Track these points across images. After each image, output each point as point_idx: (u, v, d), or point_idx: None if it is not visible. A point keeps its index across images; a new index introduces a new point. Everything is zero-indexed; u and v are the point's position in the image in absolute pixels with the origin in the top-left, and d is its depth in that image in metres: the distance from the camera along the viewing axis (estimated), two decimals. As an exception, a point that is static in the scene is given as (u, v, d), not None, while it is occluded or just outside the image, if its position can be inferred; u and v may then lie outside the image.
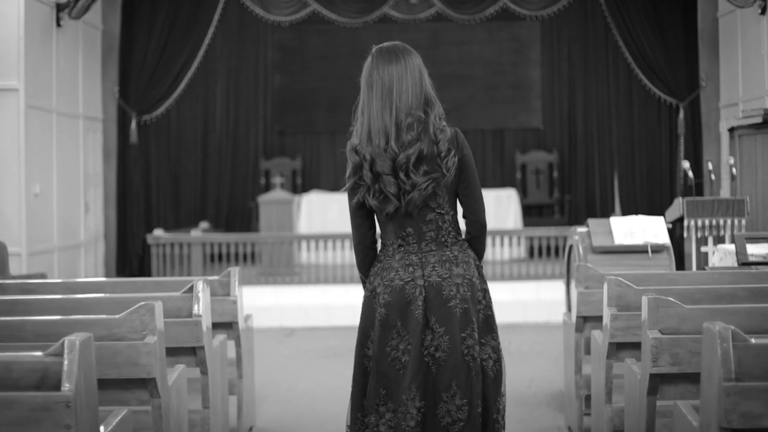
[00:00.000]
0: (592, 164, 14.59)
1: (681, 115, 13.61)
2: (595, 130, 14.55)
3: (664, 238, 6.73)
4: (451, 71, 14.40)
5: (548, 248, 12.27)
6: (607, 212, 14.09)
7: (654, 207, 13.52)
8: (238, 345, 5.78)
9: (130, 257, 13.64)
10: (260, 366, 8.31)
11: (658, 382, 3.85)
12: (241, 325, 5.77)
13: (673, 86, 13.64)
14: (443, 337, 3.63)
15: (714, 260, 7.55)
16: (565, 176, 14.76)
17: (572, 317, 5.84)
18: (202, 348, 4.71)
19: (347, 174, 3.73)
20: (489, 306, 3.79)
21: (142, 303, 3.93)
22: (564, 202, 14.67)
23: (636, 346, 4.52)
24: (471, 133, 14.29)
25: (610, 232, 6.78)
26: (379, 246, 3.88)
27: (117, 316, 3.91)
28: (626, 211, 13.68)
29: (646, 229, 6.74)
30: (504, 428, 3.75)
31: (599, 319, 5.38)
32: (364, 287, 3.87)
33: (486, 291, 3.81)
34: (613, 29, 13.88)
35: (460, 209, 3.82)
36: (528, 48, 14.83)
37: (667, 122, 14.05)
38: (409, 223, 3.71)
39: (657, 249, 6.72)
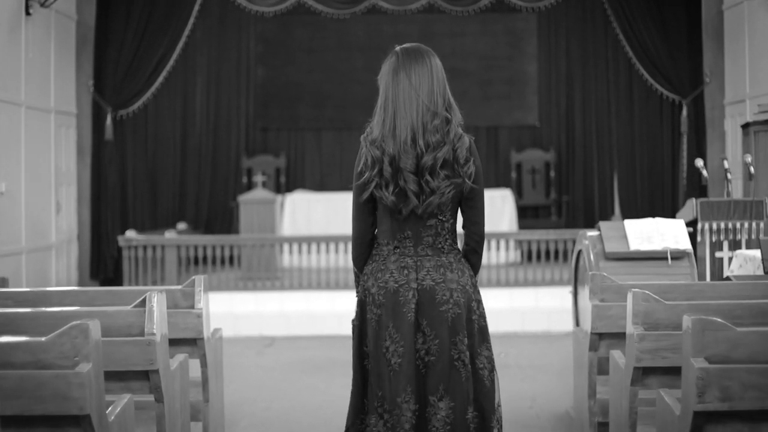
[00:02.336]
0: (590, 164, 14.07)
1: (684, 112, 13.18)
2: (594, 127, 14.04)
3: (685, 244, 6.06)
4: (443, 65, 13.73)
5: (547, 252, 11.66)
6: (606, 214, 13.64)
7: (655, 208, 13.06)
8: (203, 364, 5.09)
9: (104, 260, 13.11)
10: (234, 382, 7.63)
11: (703, 421, 3.16)
12: (207, 340, 5.08)
13: (676, 82, 13.20)
14: (433, 341, 3.68)
15: (733, 267, 6.92)
16: (562, 176, 14.23)
17: (584, 333, 5.16)
18: (156, 372, 4.03)
19: (359, 168, 3.74)
20: (483, 316, 3.81)
21: (75, 322, 3.23)
22: (561, 204, 14.13)
23: (667, 371, 3.88)
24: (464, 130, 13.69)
25: (625, 237, 6.11)
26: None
27: (43, 338, 3.22)
28: (626, 213, 13.23)
29: (664, 234, 6.07)
30: None
31: (616, 336, 4.76)
32: (356, 281, 3.89)
33: (479, 302, 3.82)
34: (613, 22, 13.46)
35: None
36: (524, 41, 14.30)
37: (669, 120, 13.59)
38: (409, 225, 3.74)
39: (676, 255, 6.05)
